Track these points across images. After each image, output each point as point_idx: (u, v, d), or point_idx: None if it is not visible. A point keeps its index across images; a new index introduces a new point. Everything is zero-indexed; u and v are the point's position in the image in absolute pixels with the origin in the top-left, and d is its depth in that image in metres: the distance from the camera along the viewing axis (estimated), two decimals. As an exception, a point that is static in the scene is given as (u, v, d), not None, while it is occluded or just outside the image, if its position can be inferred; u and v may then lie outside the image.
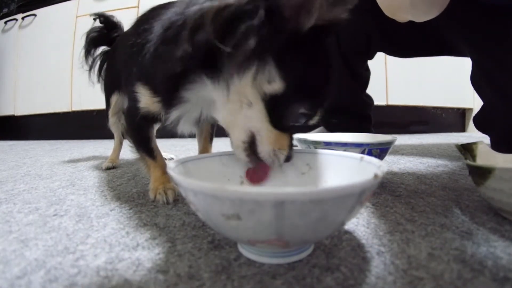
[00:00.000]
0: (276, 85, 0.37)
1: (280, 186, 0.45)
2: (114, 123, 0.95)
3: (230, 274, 0.31)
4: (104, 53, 0.98)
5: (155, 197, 0.56)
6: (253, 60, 0.36)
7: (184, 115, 0.51)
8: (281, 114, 0.39)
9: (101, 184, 0.72)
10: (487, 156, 0.53)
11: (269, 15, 0.34)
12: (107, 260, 0.34)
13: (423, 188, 0.61)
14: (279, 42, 0.36)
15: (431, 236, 0.39)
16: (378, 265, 0.32)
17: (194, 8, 0.40)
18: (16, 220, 0.48)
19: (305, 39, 0.36)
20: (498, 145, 0.78)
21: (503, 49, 0.73)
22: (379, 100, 1.99)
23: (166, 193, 0.55)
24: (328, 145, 0.60)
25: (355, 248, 0.36)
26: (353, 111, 1.16)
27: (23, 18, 2.42)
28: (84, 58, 0.95)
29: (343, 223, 0.31)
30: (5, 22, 2.48)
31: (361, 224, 0.43)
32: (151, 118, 0.54)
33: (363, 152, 0.58)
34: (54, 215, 0.50)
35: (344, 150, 0.50)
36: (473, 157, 0.53)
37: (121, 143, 1.04)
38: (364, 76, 1.17)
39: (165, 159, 0.67)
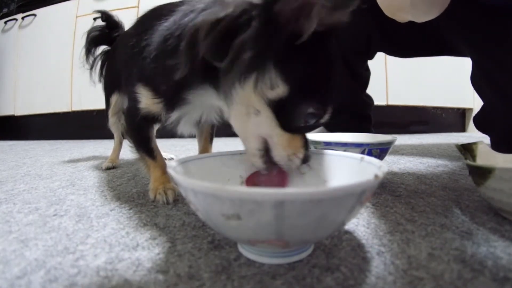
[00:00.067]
0: (279, 90, 0.37)
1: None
2: (114, 123, 0.95)
3: (230, 274, 0.30)
4: (104, 53, 0.98)
5: (155, 197, 0.56)
6: (252, 70, 0.36)
7: (185, 116, 0.51)
8: (290, 116, 0.39)
9: (101, 184, 0.72)
10: (487, 156, 0.53)
11: (264, 25, 0.34)
12: (107, 260, 0.34)
13: (423, 188, 0.61)
14: (277, 48, 0.35)
15: (431, 236, 0.39)
16: (378, 265, 0.32)
17: (191, 17, 0.40)
18: (16, 220, 0.48)
19: (306, 42, 0.36)
20: (498, 145, 0.78)
21: (503, 49, 0.73)
22: (379, 100, 1.99)
23: (166, 193, 0.55)
24: (328, 145, 0.60)
25: (355, 248, 0.36)
26: (353, 111, 1.16)
27: (23, 18, 2.42)
28: (84, 57, 0.95)
29: (343, 223, 0.31)
30: (5, 22, 2.48)
31: (361, 224, 0.43)
32: (151, 119, 0.54)
33: (363, 152, 0.58)
34: (54, 215, 0.50)
35: (344, 150, 0.50)
36: (473, 157, 0.53)
37: (121, 143, 1.03)
38: (364, 76, 1.17)
39: (165, 159, 0.67)
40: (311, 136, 0.70)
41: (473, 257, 0.33)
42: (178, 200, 0.55)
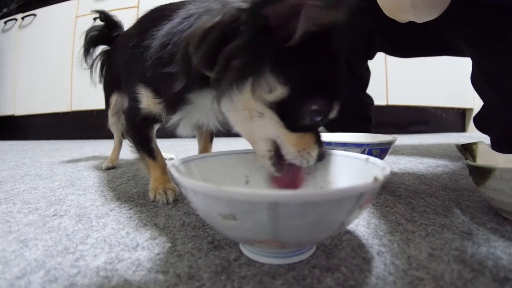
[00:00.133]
0: (278, 92, 0.36)
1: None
2: (114, 123, 0.95)
3: (230, 275, 0.30)
4: (104, 53, 0.97)
5: (155, 197, 0.56)
6: (246, 75, 0.36)
7: (185, 118, 0.51)
8: (295, 116, 0.39)
9: (101, 184, 0.72)
10: (487, 156, 0.53)
11: (254, 29, 0.33)
12: (107, 260, 0.34)
13: (424, 188, 0.61)
14: (271, 51, 0.35)
15: (431, 237, 0.39)
16: (378, 266, 0.32)
17: (186, 24, 0.40)
18: (16, 220, 0.48)
19: (304, 42, 0.35)
20: (498, 145, 0.78)
21: (503, 49, 0.73)
22: (379, 100, 1.99)
23: (166, 193, 0.55)
24: (328, 145, 0.60)
25: (355, 249, 0.36)
26: (353, 111, 1.16)
27: (23, 18, 2.42)
28: (83, 57, 0.95)
29: (342, 226, 0.31)
30: (5, 22, 2.48)
31: (361, 224, 0.43)
32: (152, 119, 0.54)
33: (363, 152, 0.58)
34: (54, 215, 0.50)
35: (344, 150, 0.50)
36: (473, 157, 0.53)
37: (120, 143, 1.03)
38: (364, 76, 1.17)
39: (165, 159, 0.67)
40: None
41: (473, 257, 0.33)
42: (178, 200, 0.55)
